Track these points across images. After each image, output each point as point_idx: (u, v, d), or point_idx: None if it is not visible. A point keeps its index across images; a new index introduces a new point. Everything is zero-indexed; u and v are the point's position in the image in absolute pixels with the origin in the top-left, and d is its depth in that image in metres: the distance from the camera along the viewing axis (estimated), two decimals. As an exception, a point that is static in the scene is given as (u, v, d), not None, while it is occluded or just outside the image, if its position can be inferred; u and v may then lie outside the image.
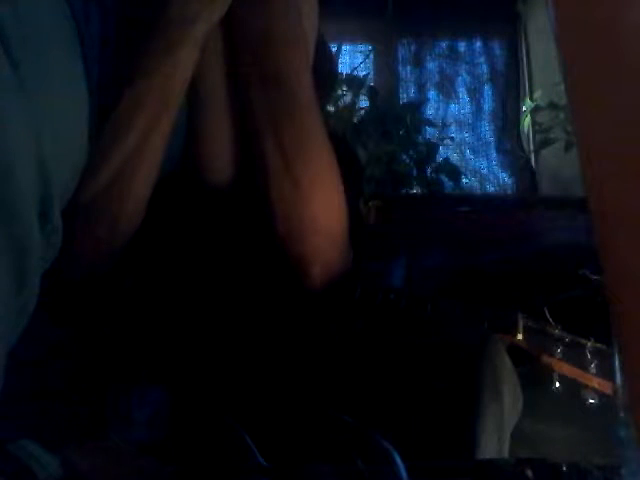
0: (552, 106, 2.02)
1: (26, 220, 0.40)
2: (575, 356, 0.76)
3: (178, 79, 0.65)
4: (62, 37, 0.47)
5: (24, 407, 0.59)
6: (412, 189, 2.03)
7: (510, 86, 2.31)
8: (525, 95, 2.26)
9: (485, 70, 2.33)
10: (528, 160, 2.24)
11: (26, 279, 0.41)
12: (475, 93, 2.31)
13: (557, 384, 0.76)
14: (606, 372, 0.73)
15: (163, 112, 0.65)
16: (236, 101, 0.71)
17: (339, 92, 2.02)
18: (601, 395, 0.74)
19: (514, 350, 0.79)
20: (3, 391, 0.42)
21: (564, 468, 0.56)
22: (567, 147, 1.90)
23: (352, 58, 2.24)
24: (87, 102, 0.48)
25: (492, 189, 2.27)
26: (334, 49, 2.00)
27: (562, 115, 1.96)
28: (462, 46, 2.34)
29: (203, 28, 0.66)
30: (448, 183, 2.05)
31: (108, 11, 0.59)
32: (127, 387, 0.65)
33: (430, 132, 2.18)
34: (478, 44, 2.34)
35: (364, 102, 2.09)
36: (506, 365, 0.77)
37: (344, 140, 0.87)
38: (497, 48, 2.35)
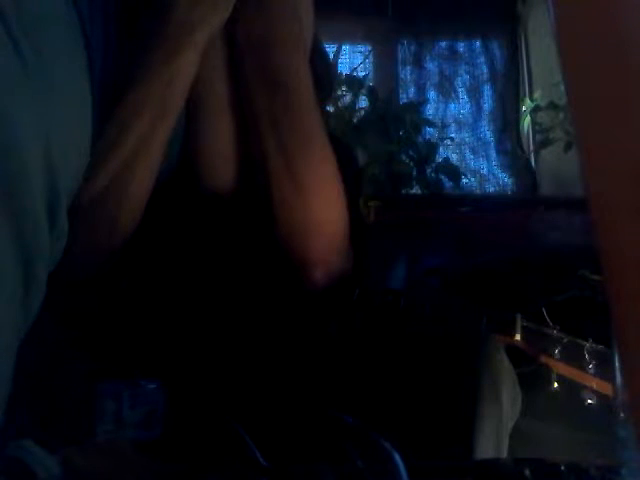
0: (552, 106, 2.02)
1: (36, 221, 0.40)
2: (573, 356, 0.76)
3: (178, 86, 0.65)
4: (68, 39, 0.47)
5: (23, 407, 0.59)
6: (412, 189, 2.03)
7: (510, 86, 2.31)
8: (525, 95, 2.26)
9: (485, 70, 2.33)
10: (528, 160, 2.24)
11: (34, 280, 0.41)
12: (475, 93, 2.31)
13: (555, 384, 0.76)
14: (605, 372, 0.73)
15: (162, 118, 0.65)
16: (237, 103, 0.72)
17: (339, 92, 2.02)
18: (600, 395, 0.74)
19: (513, 351, 0.79)
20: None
21: (563, 468, 0.57)
22: (567, 147, 1.90)
23: (352, 58, 2.24)
24: (90, 105, 0.48)
25: (492, 189, 2.28)
26: (334, 49, 2.01)
27: (562, 115, 1.97)
28: (462, 46, 2.34)
29: (205, 33, 0.65)
30: (448, 183, 2.05)
31: (110, 15, 0.59)
32: (125, 386, 0.65)
33: (430, 132, 2.17)
34: (478, 44, 2.34)
35: (364, 102, 2.09)
36: (505, 365, 0.77)
37: (341, 141, 0.87)
38: (497, 48, 2.35)
